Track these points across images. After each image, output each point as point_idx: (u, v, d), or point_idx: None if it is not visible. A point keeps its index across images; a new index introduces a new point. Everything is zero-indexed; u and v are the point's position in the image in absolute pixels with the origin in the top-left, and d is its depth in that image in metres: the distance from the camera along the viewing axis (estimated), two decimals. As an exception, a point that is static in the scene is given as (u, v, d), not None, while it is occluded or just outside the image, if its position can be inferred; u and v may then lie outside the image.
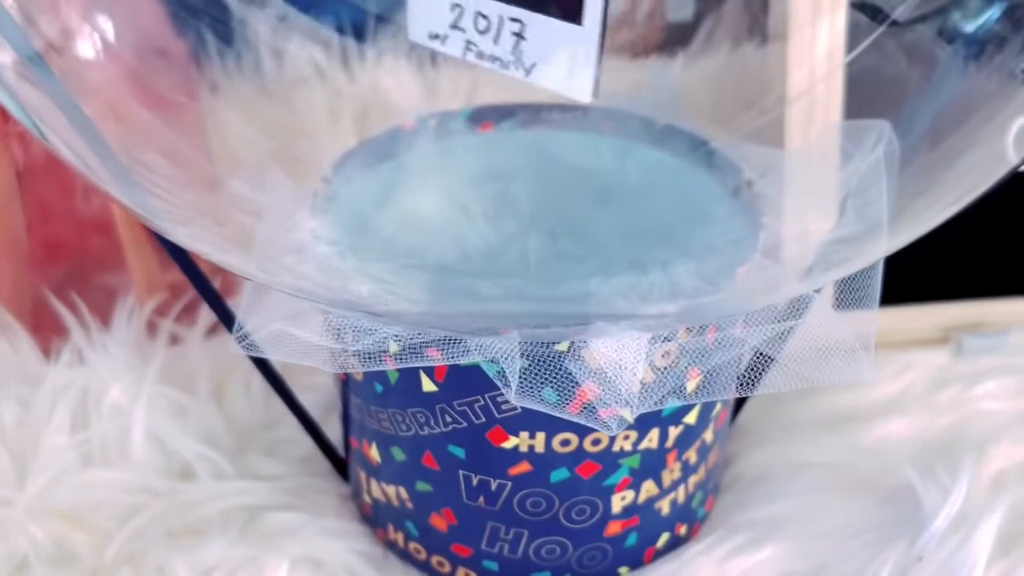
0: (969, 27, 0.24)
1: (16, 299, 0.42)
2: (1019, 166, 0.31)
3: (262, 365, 0.31)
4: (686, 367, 0.25)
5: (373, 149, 0.33)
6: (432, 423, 0.26)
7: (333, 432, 0.34)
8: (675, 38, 0.48)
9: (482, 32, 0.23)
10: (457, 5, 0.24)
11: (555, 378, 0.23)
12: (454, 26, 0.24)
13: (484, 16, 0.23)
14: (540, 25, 0.22)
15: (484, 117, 0.35)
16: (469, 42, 0.24)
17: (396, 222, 0.28)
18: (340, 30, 0.46)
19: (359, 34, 0.46)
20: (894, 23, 0.28)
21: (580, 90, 0.23)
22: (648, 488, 0.28)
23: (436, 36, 0.24)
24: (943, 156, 0.25)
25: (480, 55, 0.24)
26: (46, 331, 0.41)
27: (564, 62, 0.22)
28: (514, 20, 0.23)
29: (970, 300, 0.40)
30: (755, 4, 0.43)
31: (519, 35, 0.23)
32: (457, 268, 0.25)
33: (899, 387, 0.37)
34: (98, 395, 0.32)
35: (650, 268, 0.24)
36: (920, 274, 0.40)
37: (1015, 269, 0.40)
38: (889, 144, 0.29)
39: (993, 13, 0.23)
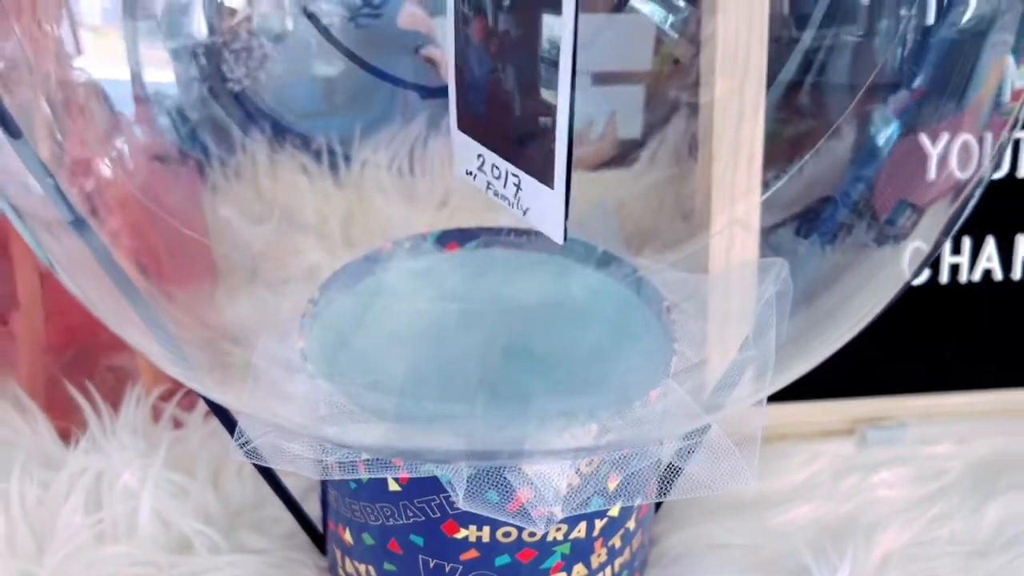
0: (819, 228, 0.29)
1: (32, 382, 0.47)
2: (912, 280, 0.37)
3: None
4: (607, 472, 0.31)
5: (354, 270, 0.38)
6: (396, 516, 0.31)
7: (313, 510, 0.39)
8: (625, 154, 0.54)
9: (496, 178, 0.29)
10: (480, 155, 0.30)
11: (496, 484, 0.28)
12: (479, 169, 0.30)
13: (496, 167, 0.29)
14: (529, 182, 0.28)
15: (450, 239, 0.41)
16: (488, 182, 0.30)
17: (368, 342, 0.34)
18: (329, 142, 0.52)
19: (346, 145, 0.52)
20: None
21: (555, 234, 0.28)
22: (579, 570, 0.33)
23: (470, 173, 0.30)
24: (826, 309, 0.31)
25: (495, 193, 0.30)
26: (58, 410, 0.46)
27: (544, 212, 0.28)
28: (514, 175, 0.28)
29: (874, 396, 0.46)
30: (695, 125, 0.50)
31: (518, 186, 0.28)
32: (416, 393, 0.30)
33: (807, 475, 0.42)
34: (111, 479, 0.37)
35: (580, 414, 0.29)
36: (830, 372, 0.45)
37: (913, 369, 0.46)
38: (784, 282, 0.35)
39: (838, 215, 0.28)
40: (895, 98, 0.27)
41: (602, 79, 0.52)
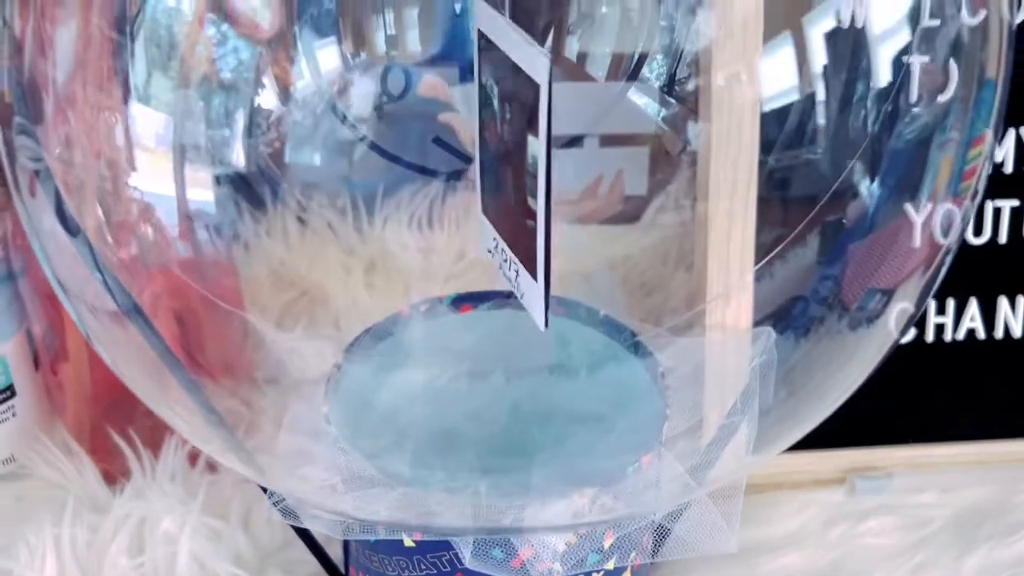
0: (792, 324, 0.32)
1: (78, 428, 0.50)
2: (900, 339, 0.40)
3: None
4: (603, 531, 0.34)
5: (376, 333, 0.42)
6: (411, 568, 0.34)
7: (335, 553, 0.42)
8: (631, 209, 0.57)
9: (504, 261, 0.32)
10: (495, 238, 0.33)
11: (500, 544, 0.31)
12: (495, 249, 0.33)
13: (504, 252, 0.32)
14: (523, 272, 0.31)
15: (465, 301, 0.44)
16: (500, 263, 0.33)
17: (387, 405, 0.37)
18: (353, 199, 0.55)
19: (369, 203, 0.55)
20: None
21: (539, 321, 0.31)
22: (579, 617, 0.36)
23: (489, 251, 0.34)
24: (808, 389, 0.33)
25: (504, 273, 0.33)
26: (102, 454, 0.50)
27: (532, 300, 0.31)
28: (515, 262, 0.32)
29: (863, 447, 0.49)
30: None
31: (517, 272, 0.32)
32: (426, 462, 0.33)
33: (798, 523, 0.45)
34: (153, 525, 0.40)
35: (575, 493, 0.31)
36: (822, 424, 0.48)
37: (900, 421, 0.49)
38: (770, 351, 0.38)
39: (810, 311, 0.31)
40: (854, 205, 0.30)
41: (610, 140, 0.55)
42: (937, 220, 0.34)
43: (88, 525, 0.41)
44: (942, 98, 0.29)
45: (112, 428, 0.48)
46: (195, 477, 0.45)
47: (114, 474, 0.48)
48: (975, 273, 0.47)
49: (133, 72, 0.27)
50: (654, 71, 0.36)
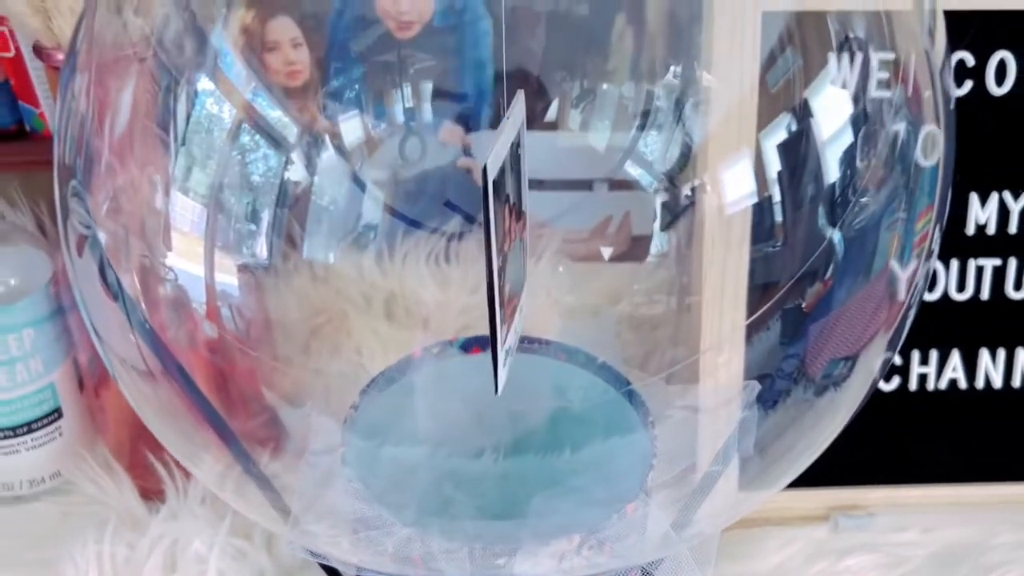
0: (760, 399, 0.35)
1: (117, 447, 0.54)
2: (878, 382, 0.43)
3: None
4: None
5: (390, 376, 0.45)
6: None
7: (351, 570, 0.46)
8: (638, 249, 0.60)
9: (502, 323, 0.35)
10: None
11: (494, 583, 0.35)
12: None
13: None
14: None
15: (475, 344, 0.47)
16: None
17: (399, 445, 0.40)
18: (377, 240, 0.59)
19: (391, 241, 0.59)
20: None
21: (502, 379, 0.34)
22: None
23: None
24: (784, 448, 0.36)
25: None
26: (139, 471, 0.54)
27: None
28: None
29: (847, 486, 0.51)
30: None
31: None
32: (430, 507, 0.37)
33: (782, 557, 0.48)
34: (184, 545, 0.44)
35: (568, 536, 0.35)
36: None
37: (883, 463, 0.51)
38: (751, 405, 0.41)
39: (776, 386, 0.34)
40: (812, 290, 0.33)
41: (619, 185, 0.58)
42: (896, 285, 0.36)
43: (127, 543, 0.45)
44: (885, 188, 0.32)
45: (148, 448, 0.53)
46: (222, 501, 0.48)
47: (150, 490, 0.52)
48: (958, 326, 0.49)
49: (176, 164, 0.30)
50: (648, 146, 0.39)
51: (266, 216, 0.33)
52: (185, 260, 0.31)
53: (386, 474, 0.39)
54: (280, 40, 0.48)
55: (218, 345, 0.34)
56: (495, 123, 0.49)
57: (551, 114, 0.42)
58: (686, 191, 0.33)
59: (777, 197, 0.32)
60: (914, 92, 0.32)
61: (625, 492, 0.38)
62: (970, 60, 0.46)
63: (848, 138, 0.31)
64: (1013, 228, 0.48)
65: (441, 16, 0.52)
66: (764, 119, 0.32)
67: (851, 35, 0.32)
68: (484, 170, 0.28)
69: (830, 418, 0.37)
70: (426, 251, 0.60)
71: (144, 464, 0.53)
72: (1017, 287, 0.49)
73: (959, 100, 0.46)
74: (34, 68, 0.53)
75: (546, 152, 0.48)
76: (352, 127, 0.39)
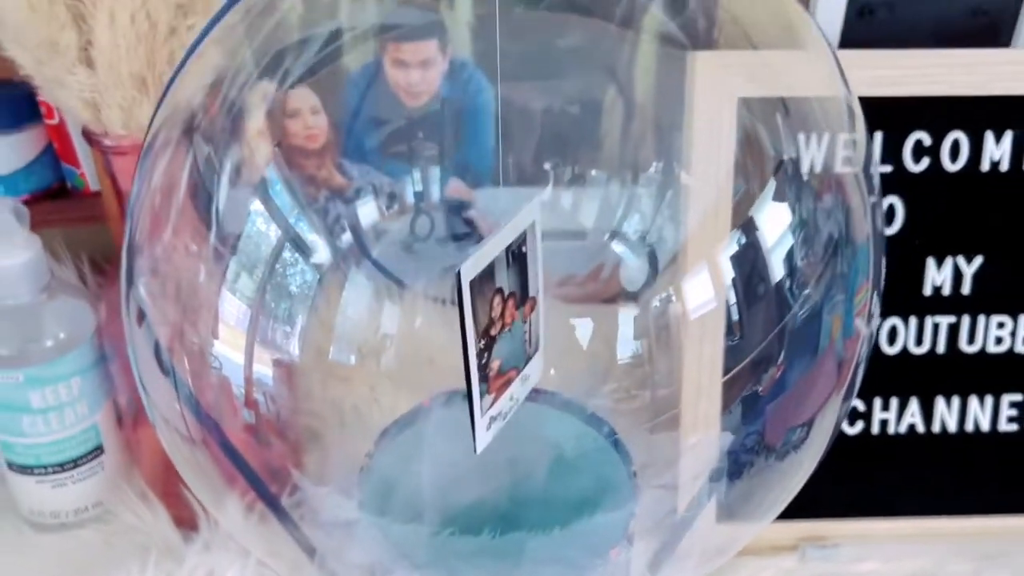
0: (725, 471, 0.40)
1: (152, 478, 0.59)
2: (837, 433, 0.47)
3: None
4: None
5: (402, 424, 0.50)
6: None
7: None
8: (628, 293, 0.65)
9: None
10: None
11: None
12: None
13: None
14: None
15: (477, 393, 0.52)
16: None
17: (410, 490, 0.45)
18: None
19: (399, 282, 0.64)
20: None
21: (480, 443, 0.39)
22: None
23: None
24: (750, 514, 0.41)
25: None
26: (173, 500, 0.59)
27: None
28: None
29: (815, 519, 0.56)
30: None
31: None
32: (442, 546, 0.42)
33: (752, 586, 0.53)
34: (220, 574, 0.49)
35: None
36: (782, 498, 0.56)
37: (849, 498, 0.56)
38: (722, 458, 0.46)
39: (740, 459, 0.39)
40: (767, 376, 0.38)
41: (615, 235, 0.63)
42: (842, 356, 0.41)
43: (166, 572, 0.50)
44: (824, 280, 0.37)
45: (180, 481, 0.58)
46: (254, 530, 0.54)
47: (183, 519, 0.57)
48: (916, 377, 0.54)
49: (228, 269, 0.35)
50: (632, 227, 0.44)
51: (300, 320, 0.38)
52: (229, 350, 0.36)
53: (400, 520, 0.44)
54: (300, 107, 0.53)
55: (253, 427, 0.39)
56: (496, 181, 0.54)
57: (545, 195, 0.47)
58: (655, 303, 0.38)
59: (733, 299, 0.37)
60: (841, 195, 0.36)
61: (609, 538, 0.43)
62: (927, 140, 0.51)
63: (788, 243, 0.36)
64: (966, 289, 0.53)
65: (447, 87, 0.57)
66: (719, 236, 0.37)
67: (786, 157, 0.37)
68: (458, 275, 0.33)
69: (793, 474, 0.42)
70: (433, 294, 0.66)
71: (177, 494, 0.58)
72: (970, 342, 0.54)
73: (917, 175, 0.51)
74: (76, 133, 0.58)
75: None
76: (368, 211, 0.44)
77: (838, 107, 0.37)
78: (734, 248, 0.37)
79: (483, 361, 0.36)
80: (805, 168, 0.36)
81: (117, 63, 0.43)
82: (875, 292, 0.40)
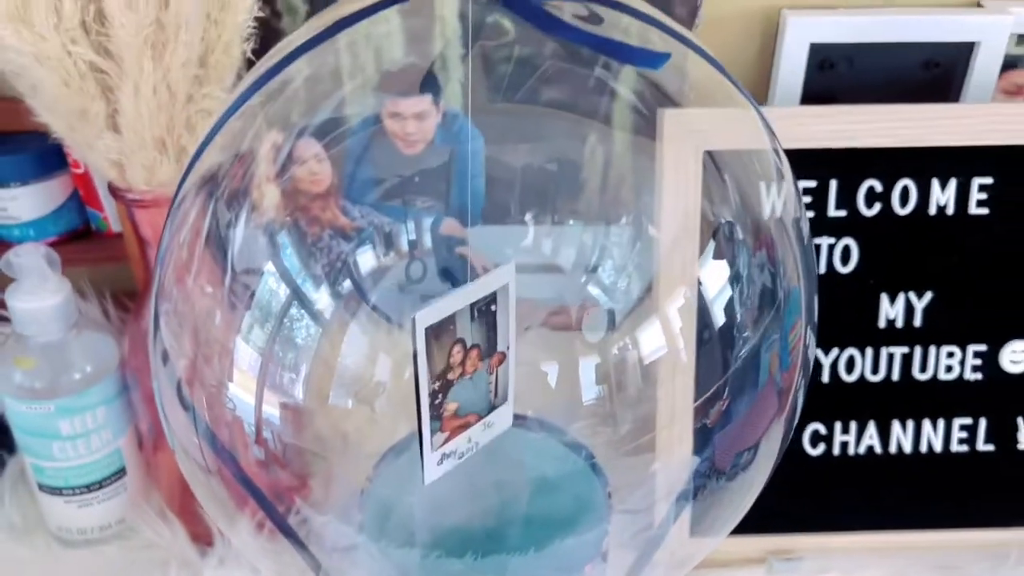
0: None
1: (170, 497, 0.64)
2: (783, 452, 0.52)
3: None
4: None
5: (397, 450, 0.55)
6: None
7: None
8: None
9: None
10: None
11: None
12: None
13: None
14: None
15: (468, 419, 0.57)
16: None
17: (406, 511, 0.50)
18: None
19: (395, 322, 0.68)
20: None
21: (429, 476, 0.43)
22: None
23: None
24: (707, 529, 0.46)
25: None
26: (189, 518, 0.64)
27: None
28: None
29: (781, 534, 0.61)
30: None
31: None
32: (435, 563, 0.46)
33: (723, 596, 0.58)
34: (233, 587, 0.54)
35: None
36: (750, 515, 0.60)
37: (812, 515, 0.60)
38: (689, 480, 0.50)
39: (693, 483, 0.44)
40: (713, 410, 0.42)
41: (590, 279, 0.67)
42: (780, 387, 0.45)
43: (185, 586, 0.55)
44: (761, 324, 0.41)
45: (195, 500, 0.63)
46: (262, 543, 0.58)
47: (199, 534, 0.62)
48: (873, 403, 0.59)
49: (243, 321, 0.40)
50: (606, 272, 0.49)
51: (304, 368, 0.42)
52: (241, 393, 0.41)
53: (398, 539, 0.49)
54: (305, 155, 0.58)
55: (263, 461, 0.44)
56: (488, 219, 0.58)
57: (528, 240, 0.51)
58: (614, 350, 0.43)
59: (680, 345, 0.42)
60: (773, 248, 0.41)
61: (585, 554, 0.47)
62: (879, 187, 0.55)
63: (728, 294, 0.41)
64: (917, 322, 0.57)
65: (440, 136, 0.61)
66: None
67: (723, 220, 0.42)
68: (413, 320, 0.37)
69: (744, 492, 0.46)
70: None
71: (193, 512, 0.62)
72: (922, 370, 0.58)
73: (870, 218, 0.55)
74: (99, 181, 0.63)
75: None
76: (366, 259, 0.49)
77: (768, 162, 0.42)
78: (681, 301, 0.42)
79: (436, 401, 0.40)
80: (742, 223, 0.41)
81: (140, 129, 0.48)
82: (808, 327, 0.44)
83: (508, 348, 0.42)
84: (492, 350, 0.41)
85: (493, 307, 0.41)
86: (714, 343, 0.41)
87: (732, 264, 0.41)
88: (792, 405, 0.46)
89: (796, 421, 0.48)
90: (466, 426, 0.42)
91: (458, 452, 0.42)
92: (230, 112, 0.41)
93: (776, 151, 0.43)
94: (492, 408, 0.42)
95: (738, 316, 0.41)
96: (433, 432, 0.40)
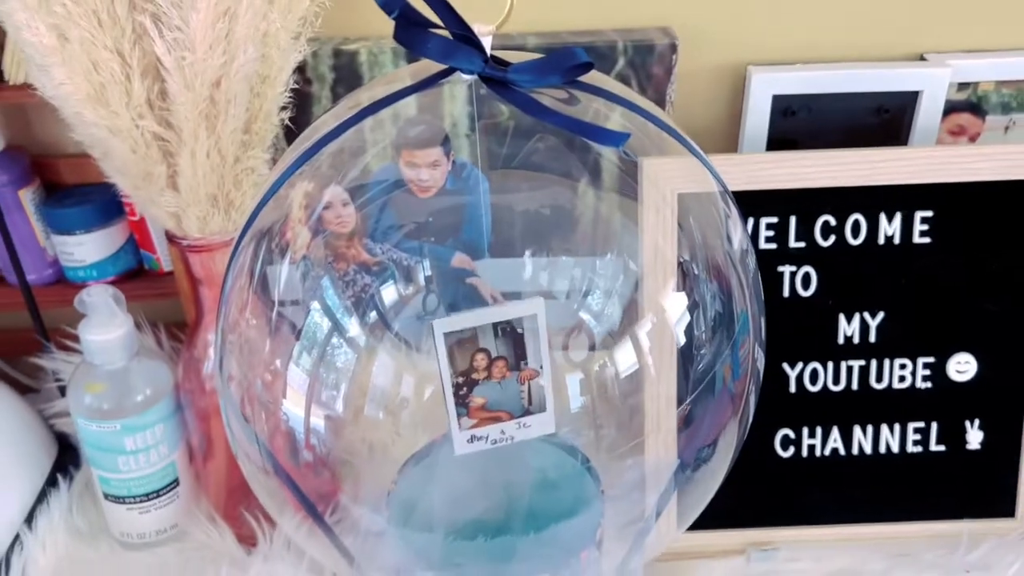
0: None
1: (217, 502, 0.72)
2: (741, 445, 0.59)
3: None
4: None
5: (419, 457, 0.63)
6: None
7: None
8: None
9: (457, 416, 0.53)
10: None
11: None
12: None
13: None
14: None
15: (479, 431, 0.65)
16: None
17: (426, 509, 0.58)
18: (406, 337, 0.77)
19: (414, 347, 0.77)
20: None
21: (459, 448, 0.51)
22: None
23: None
24: (681, 513, 0.54)
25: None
26: (234, 520, 0.72)
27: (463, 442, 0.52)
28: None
29: (758, 527, 0.68)
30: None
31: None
32: (451, 555, 0.54)
33: (704, 585, 0.65)
34: (278, 580, 0.62)
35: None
36: (730, 510, 0.68)
37: (785, 510, 0.68)
38: (670, 481, 0.58)
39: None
40: (677, 412, 0.50)
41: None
42: (733, 394, 0.53)
43: (233, 580, 0.63)
44: (714, 343, 0.49)
45: (240, 504, 0.71)
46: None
47: (244, 536, 0.70)
48: (836, 410, 0.66)
49: (295, 348, 0.49)
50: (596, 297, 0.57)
51: (343, 387, 0.51)
52: (293, 407, 0.49)
53: (421, 532, 0.57)
54: (333, 200, 0.66)
55: (310, 463, 0.52)
56: (495, 253, 0.67)
57: (527, 273, 0.60)
58: (595, 367, 0.51)
59: (650, 361, 0.51)
60: (724, 280, 0.49)
61: (580, 543, 0.55)
62: (833, 221, 0.63)
63: (687, 319, 0.49)
64: (872, 338, 0.65)
65: (451, 182, 0.70)
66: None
67: (683, 259, 0.50)
68: (432, 326, 0.46)
69: (709, 479, 0.54)
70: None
71: (237, 516, 0.71)
72: (878, 380, 0.66)
73: (826, 248, 0.63)
74: (153, 227, 0.72)
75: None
76: (389, 293, 0.57)
77: (719, 206, 0.50)
78: (649, 326, 0.51)
79: (461, 392, 0.48)
80: (700, 259, 0.50)
81: (196, 187, 0.57)
82: (756, 343, 0.52)
83: (542, 367, 0.50)
84: (518, 364, 0.49)
85: (520, 329, 0.49)
86: (675, 359, 0.49)
87: (689, 295, 0.49)
88: (744, 407, 0.54)
89: (750, 421, 0.55)
90: (497, 419, 0.50)
91: (489, 438, 0.50)
92: (277, 185, 0.49)
93: (724, 195, 0.51)
94: (526, 412, 0.50)
95: (696, 336, 0.49)
96: (459, 415, 0.48)
